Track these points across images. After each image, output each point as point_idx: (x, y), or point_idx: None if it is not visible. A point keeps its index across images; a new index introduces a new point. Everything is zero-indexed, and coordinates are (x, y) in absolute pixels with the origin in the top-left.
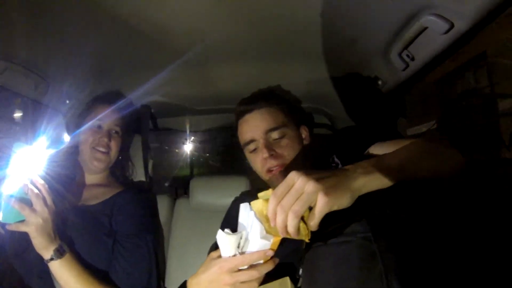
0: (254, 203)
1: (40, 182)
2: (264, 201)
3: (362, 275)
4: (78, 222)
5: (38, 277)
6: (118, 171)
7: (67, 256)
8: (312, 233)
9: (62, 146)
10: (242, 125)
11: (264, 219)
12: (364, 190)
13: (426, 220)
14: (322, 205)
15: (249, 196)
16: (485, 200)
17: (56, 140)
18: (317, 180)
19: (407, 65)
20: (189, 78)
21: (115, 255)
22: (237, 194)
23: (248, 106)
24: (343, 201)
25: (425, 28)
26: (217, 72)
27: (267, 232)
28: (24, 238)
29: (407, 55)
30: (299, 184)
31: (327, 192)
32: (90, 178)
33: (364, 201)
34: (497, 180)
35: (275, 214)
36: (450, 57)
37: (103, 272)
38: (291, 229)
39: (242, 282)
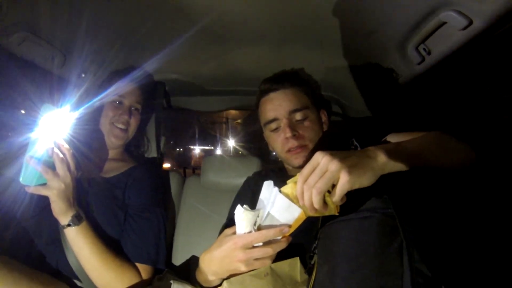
0: (284, 187)
1: (66, 146)
2: (293, 184)
3: (381, 249)
4: (94, 192)
5: (49, 244)
6: (133, 146)
7: (84, 223)
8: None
9: (86, 112)
10: (265, 103)
11: (295, 201)
12: (386, 171)
13: (443, 200)
14: (344, 182)
15: (261, 176)
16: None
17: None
18: (341, 159)
19: (423, 59)
20: (204, 57)
21: (125, 227)
22: (248, 174)
23: (273, 85)
24: (364, 180)
25: (444, 23)
26: (233, 53)
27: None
28: (38, 204)
29: (424, 49)
30: (323, 163)
31: (349, 171)
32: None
33: (384, 181)
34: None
35: (302, 192)
36: None
37: (114, 244)
38: (316, 204)
39: (256, 259)
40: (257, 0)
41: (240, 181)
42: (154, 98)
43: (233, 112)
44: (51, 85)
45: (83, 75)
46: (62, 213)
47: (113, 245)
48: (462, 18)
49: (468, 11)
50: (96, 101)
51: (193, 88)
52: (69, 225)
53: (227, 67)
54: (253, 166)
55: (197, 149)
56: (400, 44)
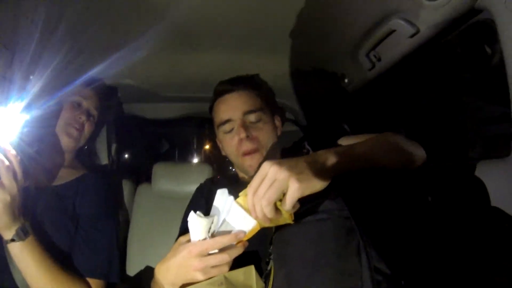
0: (237, 199)
1: (12, 152)
2: (245, 196)
3: (339, 251)
4: (43, 202)
5: None
6: (84, 156)
7: (30, 238)
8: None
9: (39, 113)
10: (220, 105)
11: (248, 212)
12: (337, 173)
13: (395, 199)
14: (293, 190)
15: (214, 183)
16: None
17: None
18: (289, 167)
19: (374, 66)
20: (158, 62)
21: (76, 239)
22: (199, 181)
23: (228, 86)
24: (315, 185)
25: (393, 31)
26: (187, 58)
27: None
28: None
29: (374, 56)
30: (271, 173)
31: (298, 178)
32: None
33: (337, 182)
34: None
35: (253, 205)
36: None
37: (64, 258)
38: (268, 215)
39: (212, 267)
40: (211, 7)
41: (192, 188)
42: (108, 109)
43: None
44: None
45: (30, 77)
46: (6, 227)
47: (63, 259)
48: (410, 26)
49: (415, 20)
50: (52, 101)
51: (145, 94)
52: (13, 240)
53: (181, 73)
54: (204, 173)
55: None
56: (351, 50)
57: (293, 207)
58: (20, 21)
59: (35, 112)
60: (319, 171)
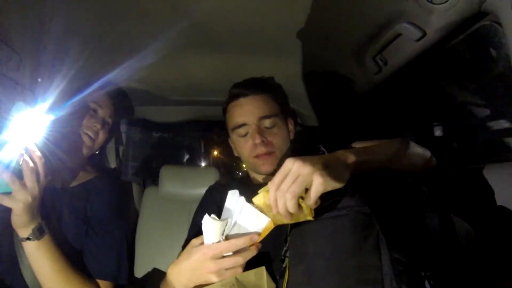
0: (256, 198)
1: (37, 154)
2: (265, 193)
3: (357, 245)
4: (59, 203)
5: (5, 261)
6: (95, 158)
7: (46, 237)
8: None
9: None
10: (234, 108)
11: (268, 209)
12: (354, 172)
13: (407, 197)
14: (317, 185)
15: (224, 185)
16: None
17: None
18: (312, 163)
19: (380, 69)
20: (164, 65)
21: (87, 241)
22: (206, 184)
23: (243, 90)
24: (337, 182)
25: (400, 35)
26: (192, 62)
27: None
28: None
29: (381, 59)
30: (295, 168)
31: (322, 173)
32: None
33: (353, 180)
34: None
35: (275, 200)
36: None
37: (75, 258)
38: (291, 209)
39: (226, 269)
40: (216, 10)
41: (199, 191)
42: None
43: None
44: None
45: (39, 80)
46: (24, 226)
47: (74, 260)
48: (416, 30)
49: (422, 23)
50: (73, 102)
51: (153, 98)
52: (28, 238)
53: (186, 76)
54: (211, 176)
55: None
56: (358, 54)
57: (315, 202)
58: (36, 28)
59: (58, 114)
60: (340, 169)
